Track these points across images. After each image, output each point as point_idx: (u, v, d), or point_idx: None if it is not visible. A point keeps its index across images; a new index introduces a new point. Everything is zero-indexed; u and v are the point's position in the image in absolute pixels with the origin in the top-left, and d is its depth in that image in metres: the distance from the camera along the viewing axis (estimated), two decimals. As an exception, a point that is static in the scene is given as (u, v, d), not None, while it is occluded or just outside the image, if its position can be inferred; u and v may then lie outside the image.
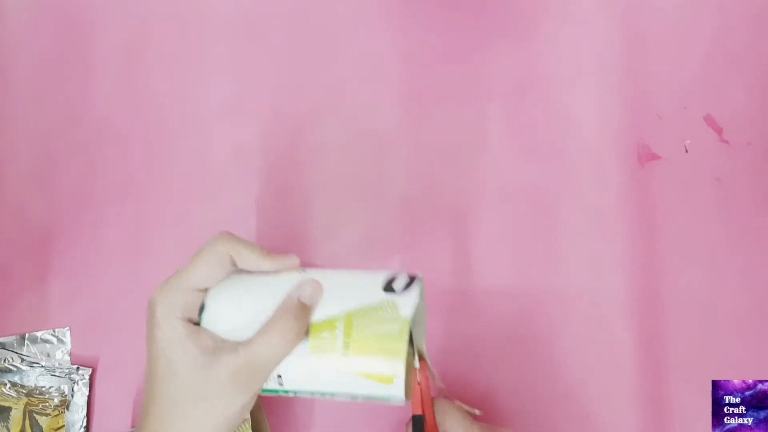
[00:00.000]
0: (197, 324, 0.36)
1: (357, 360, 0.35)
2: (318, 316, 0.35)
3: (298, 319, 0.35)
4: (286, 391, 0.37)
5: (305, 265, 0.39)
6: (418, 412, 0.39)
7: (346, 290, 0.36)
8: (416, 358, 0.38)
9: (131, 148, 0.57)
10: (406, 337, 0.34)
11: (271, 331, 0.35)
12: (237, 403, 0.35)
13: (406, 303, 0.35)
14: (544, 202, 0.53)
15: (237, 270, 0.38)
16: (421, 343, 0.40)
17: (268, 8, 0.58)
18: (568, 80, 0.55)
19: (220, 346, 0.35)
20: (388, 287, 0.36)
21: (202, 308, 0.37)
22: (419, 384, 0.39)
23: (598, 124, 0.54)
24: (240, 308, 0.36)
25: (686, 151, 0.53)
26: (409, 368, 0.37)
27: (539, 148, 0.54)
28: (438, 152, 0.55)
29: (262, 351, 0.34)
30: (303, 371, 0.36)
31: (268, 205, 0.55)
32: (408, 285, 0.36)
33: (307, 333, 0.35)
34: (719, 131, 0.53)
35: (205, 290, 0.37)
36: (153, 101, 0.58)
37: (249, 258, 0.37)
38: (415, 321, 0.36)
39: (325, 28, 0.58)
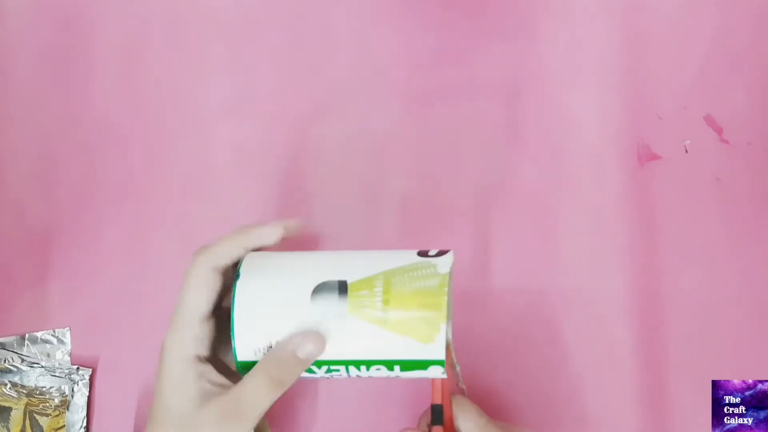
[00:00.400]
0: (207, 356, 0.37)
1: (397, 314, 0.35)
2: (355, 276, 0.35)
3: (289, 371, 0.35)
4: (320, 366, 0.37)
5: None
6: (438, 401, 0.39)
7: (380, 254, 0.37)
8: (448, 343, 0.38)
9: (131, 148, 0.57)
10: (446, 291, 0.35)
11: (257, 380, 0.35)
12: None
13: (443, 263, 0.36)
14: (544, 202, 0.53)
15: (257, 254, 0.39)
16: (449, 334, 0.40)
17: (268, 8, 0.58)
18: (568, 80, 0.55)
19: (215, 390, 0.36)
20: (422, 253, 0.36)
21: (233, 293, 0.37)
22: (445, 374, 0.38)
23: (598, 124, 0.54)
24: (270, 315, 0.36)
25: (686, 151, 0.53)
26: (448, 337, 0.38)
27: (539, 148, 0.54)
28: (438, 152, 0.55)
29: (247, 398, 0.35)
30: (340, 335, 0.36)
31: (268, 205, 0.55)
32: (441, 254, 0.37)
33: (345, 291, 0.35)
34: (719, 131, 0.53)
35: (208, 314, 0.37)
36: (153, 101, 0.58)
37: (234, 255, 0.38)
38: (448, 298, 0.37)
39: (325, 28, 0.58)
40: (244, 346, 0.36)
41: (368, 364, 0.36)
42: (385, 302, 0.35)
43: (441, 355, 0.35)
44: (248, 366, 0.37)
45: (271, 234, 0.39)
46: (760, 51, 0.54)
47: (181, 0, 0.59)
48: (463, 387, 0.41)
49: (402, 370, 0.36)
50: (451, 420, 0.39)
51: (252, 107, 0.57)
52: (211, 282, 0.37)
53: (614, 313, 0.51)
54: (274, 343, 0.36)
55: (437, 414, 0.39)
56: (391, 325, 0.35)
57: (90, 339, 0.54)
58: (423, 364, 0.35)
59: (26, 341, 0.54)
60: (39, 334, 0.54)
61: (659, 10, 0.55)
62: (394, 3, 0.57)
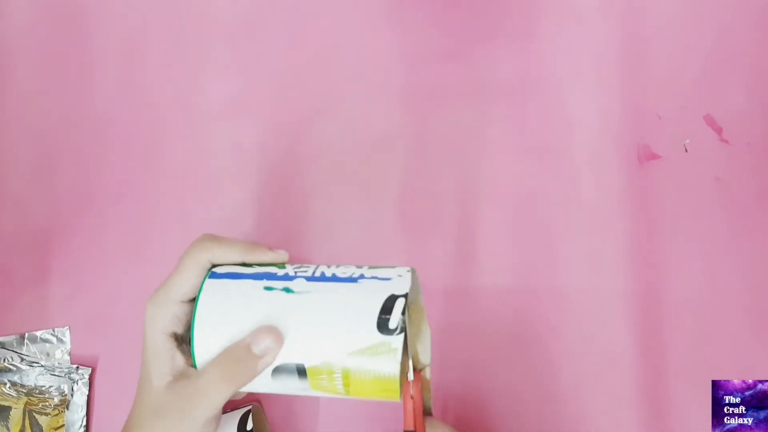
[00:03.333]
0: (182, 335, 0.38)
1: (357, 394, 0.36)
2: (314, 360, 0.35)
3: (245, 366, 0.35)
4: None
5: (303, 261, 0.39)
6: (410, 428, 0.38)
7: (338, 331, 0.35)
8: (410, 369, 0.38)
9: (131, 148, 0.58)
10: (399, 375, 0.35)
11: (213, 369, 0.36)
12: (180, 428, 0.36)
13: (396, 340, 0.34)
14: (544, 201, 0.53)
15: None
16: (419, 353, 0.39)
17: (268, 8, 0.58)
18: (568, 80, 0.55)
19: (185, 371, 0.37)
20: (383, 325, 0.35)
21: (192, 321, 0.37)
22: (412, 398, 0.38)
23: (598, 123, 0.54)
24: (225, 332, 0.36)
25: (686, 151, 0.53)
26: (402, 367, 0.37)
27: (539, 148, 0.54)
28: (438, 152, 0.55)
29: (204, 387, 0.35)
30: (305, 395, 0.37)
31: (268, 205, 0.55)
32: (401, 317, 0.35)
33: (304, 373, 0.35)
34: (719, 131, 0.53)
35: (192, 300, 0.38)
36: (153, 101, 0.58)
37: (230, 258, 0.38)
38: (411, 330, 0.37)
39: (324, 28, 0.58)
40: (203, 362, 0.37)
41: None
42: (345, 385, 0.35)
43: (399, 399, 0.36)
44: None
45: (274, 259, 0.39)
46: (760, 51, 0.54)
47: (181, 0, 0.59)
48: (430, 400, 0.41)
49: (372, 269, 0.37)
50: None
51: (252, 107, 0.57)
52: (203, 271, 0.38)
53: (614, 313, 0.51)
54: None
55: None
56: (353, 394, 0.36)
57: (90, 338, 0.54)
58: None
59: (26, 340, 0.54)
60: (39, 334, 0.54)
61: (659, 10, 0.55)
62: (395, 3, 0.57)
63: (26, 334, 0.54)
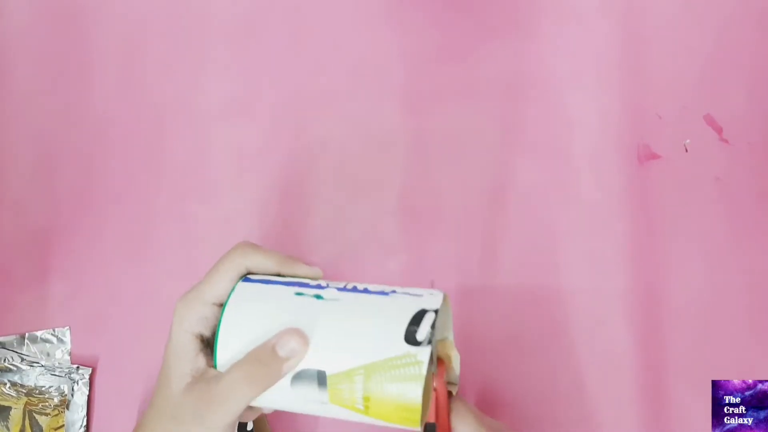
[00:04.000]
0: (209, 339, 0.37)
1: (377, 410, 0.34)
2: (336, 367, 0.34)
3: (269, 369, 0.34)
4: None
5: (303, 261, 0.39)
6: (432, 419, 0.38)
7: (364, 340, 0.34)
8: (434, 360, 0.37)
9: (131, 148, 0.58)
10: (422, 391, 0.34)
11: (236, 371, 0.35)
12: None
13: (423, 352, 0.33)
14: (544, 201, 0.53)
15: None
16: (445, 342, 0.39)
17: (268, 8, 0.58)
18: (568, 80, 0.55)
19: (205, 371, 0.36)
20: (410, 337, 0.34)
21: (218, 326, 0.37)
22: (435, 390, 0.38)
23: (598, 123, 0.54)
24: (250, 333, 0.36)
25: (686, 151, 0.53)
26: (426, 395, 0.36)
27: (539, 148, 0.54)
28: (438, 152, 0.55)
29: (225, 390, 0.34)
30: (323, 413, 0.36)
31: (268, 205, 0.55)
32: (430, 330, 0.34)
33: (324, 382, 0.34)
34: (719, 130, 0.53)
35: (222, 304, 0.37)
36: (152, 101, 0.58)
37: (266, 267, 0.38)
38: (438, 329, 0.37)
39: (324, 28, 0.58)
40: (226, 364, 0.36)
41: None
42: (365, 399, 0.34)
43: (419, 428, 0.35)
44: None
45: (308, 274, 0.38)
46: (760, 51, 0.54)
47: (181, 1, 0.59)
48: (456, 388, 0.41)
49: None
50: (449, 428, 0.39)
51: (252, 107, 0.57)
52: (237, 276, 0.37)
53: (614, 313, 0.51)
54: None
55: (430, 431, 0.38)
56: (372, 415, 0.35)
57: (90, 338, 0.54)
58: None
59: (26, 340, 0.54)
60: (39, 334, 0.54)
61: (659, 10, 0.55)
62: (395, 3, 0.57)
63: (26, 334, 0.54)
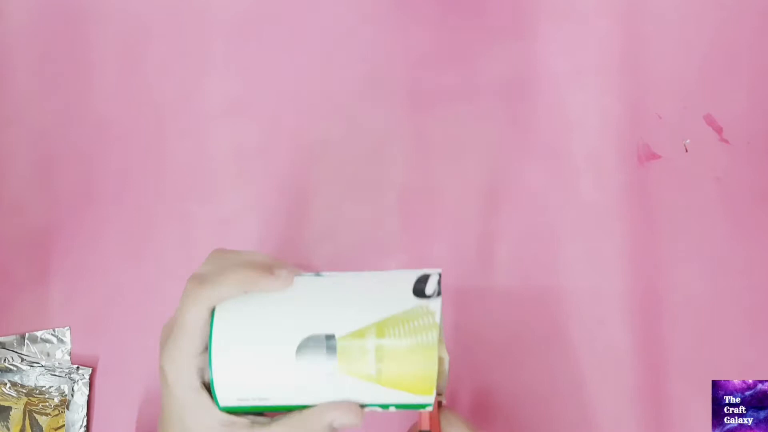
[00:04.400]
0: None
1: (390, 373, 0.33)
2: (344, 329, 0.33)
3: None
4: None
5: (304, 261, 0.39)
6: (426, 428, 0.37)
7: (371, 297, 0.33)
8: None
9: (131, 148, 0.57)
10: (438, 343, 0.33)
11: (286, 428, 0.34)
12: None
13: (435, 304, 0.33)
14: (544, 201, 0.53)
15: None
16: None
17: (268, 8, 0.58)
18: (568, 80, 0.55)
19: (236, 421, 0.34)
20: (419, 291, 0.33)
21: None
22: None
23: (598, 123, 0.54)
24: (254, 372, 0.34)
25: (686, 151, 0.53)
26: (439, 364, 0.36)
27: (539, 148, 0.54)
28: (438, 152, 0.55)
29: None
30: (332, 390, 0.34)
31: (268, 205, 0.55)
32: (438, 286, 0.33)
33: (333, 347, 0.33)
34: (719, 130, 0.53)
35: (206, 346, 0.35)
36: (152, 101, 0.58)
37: (231, 297, 0.35)
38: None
39: (324, 28, 0.58)
40: (227, 396, 0.34)
41: (362, 406, 0.35)
42: (378, 360, 0.33)
43: (432, 401, 0.34)
44: (231, 410, 0.35)
45: (278, 286, 0.35)
46: (760, 51, 0.54)
47: (181, 1, 0.59)
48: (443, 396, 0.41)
49: (397, 408, 0.35)
50: None
51: (252, 107, 0.57)
52: (206, 319, 0.34)
53: (614, 313, 0.51)
54: (261, 396, 0.34)
55: None
56: (384, 381, 0.33)
57: (90, 338, 0.54)
58: (416, 407, 0.35)
59: (26, 340, 0.54)
60: (39, 334, 0.54)
61: (659, 10, 0.55)
62: (394, 3, 0.57)
63: (26, 334, 0.54)
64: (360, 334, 0.32)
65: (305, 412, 0.34)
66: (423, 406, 0.34)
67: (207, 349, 0.34)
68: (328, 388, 0.33)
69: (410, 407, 0.35)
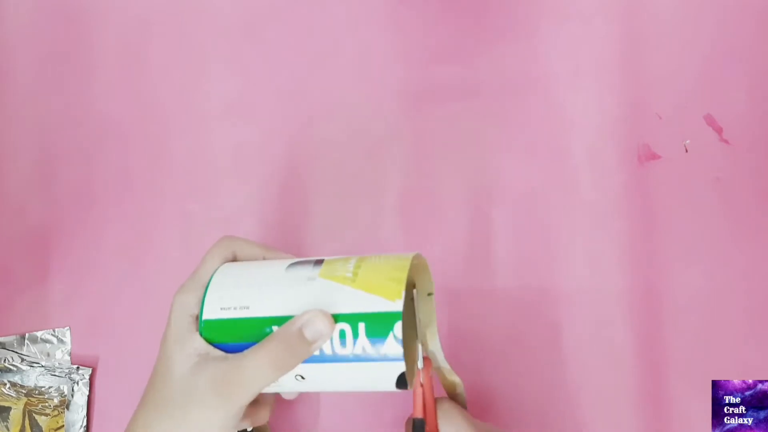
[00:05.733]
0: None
1: (365, 275, 0.36)
2: (332, 256, 0.38)
3: (293, 349, 0.34)
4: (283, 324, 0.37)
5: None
6: (420, 415, 0.38)
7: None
8: (420, 357, 0.38)
9: (131, 148, 0.58)
10: (411, 262, 0.36)
11: (261, 353, 0.34)
12: (216, 415, 0.34)
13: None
14: (544, 201, 0.53)
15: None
16: (429, 341, 0.40)
17: (268, 8, 0.58)
18: (567, 80, 0.55)
19: (211, 352, 0.36)
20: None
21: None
22: (422, 386, 0.38)
23: (598, 123, 0.54)
24: (241, 297, 0.37)
25: (686, 151, 0.53)
26: (411, 354, 0.38)
27: (539, 148, 0.54)
28: (437, 152, 0.55)
29: (247, 370, 0.34)
30: (309, 293, 0.36)
31: (268, 205, 0.55)
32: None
33: (320, 263, 0.37)
34: (719, 131, 0.53)
35: None
36: (153, 101, 0.58)
37: (251, 254, 0.40)
38: (419, 317, 0.38)
39: (324, 28, 0.58)
40: (212, 306, 0.37)
41: (334, 319, 0.36)
42: (356, 267, 0.36)
43: (400, 308, 0.35)
44: (211, 326, 0.37)
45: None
46: (760, 50, 0.54)
47: (182, 0, 0.59)
48: (457, 380, 0.41)
49: (367, 330, 0.35)
50: (436, 428, 0.39)
51: (252, 107, 0.57)
52: (226, 258, 0.40)
53: (614, 313, 0.51)
54: (243, 304, 0.37)
55: (418, 428, 0.38)
56: (358, 283, 0.35)
57: (90, 339, 0.54)
58: (387, 320, 0.35)
59: (26, 341, 0.54)
60: (39, 334, 0.54)
61: (659, 9, 0.55)
62: (394, 3, 0.57)
63: (26, 335, 0.54)
64: (344, 258, 0.37)
65: (276, 330, 0.35)
66: (392, 316, 0.35)
67: None
68: (305, 292, 0.36)
69: (382, 322, 0.35)
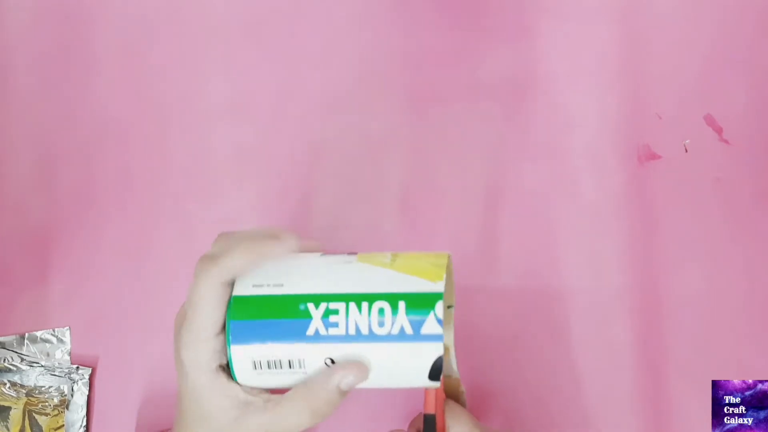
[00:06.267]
0: (227, 366, 0.36)
1: (403, 261, 0.36)
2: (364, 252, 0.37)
3: (331, 402, 0.34)
4: (318, 305, 0.35)
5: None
6: (431, 411, 0.38)
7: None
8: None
9: (131, 148, 0.57)
10: (448, 259, 0.36)
11: (298, 402, 0.34)
12: None
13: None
14: (544, 201, 0.53)
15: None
16: (450, 339, 0.40)
17: (268, 8, 0.58)
18: (567, 80, 0.55)
19: (251, 401, 0.35)
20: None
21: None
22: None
23: (598, 123, 0.54)
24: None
25: (686, 151, 0.53)
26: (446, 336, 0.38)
27: (539, 148, 0.54)
28: (438, 152, 0.55)
29: (287, 419, 0.34)
30: (346, 274, 0.35)
31: (269, 205, 0.55)
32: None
33: (354, 253, 0.37)
34: (719, 131, 0.53)
35: (222, 327, 0.35)
36: (153, 101, 0.58)
37: (239, 271, 0.35)
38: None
39: (324, 29, 0.58)
40: (242, 286, 0.35)
41: (371, 299, 0.34)
42: (394, 256, 0.36)
43: (442, 290, 0.34)
44: (242, 303, 0.35)
45: (286, 250, 0.36)
46: (760, 51, 0.54)
47: (182, 0, 0.59)
48: (463, 390, 0.41)
49: (408, 308, 0.34)
50: (444, 428, 0.39)
51: (252, 107, 0.57)
52: (221, 296, 0.35)
53: (614, 313, 0.51)
54: (277, 282, 0.35)
55: (429, 424, 0.38)
56: (397, 266, 0.35)
57: (90, 338, 0.54)
58: (429, 300, 0.34)
59: (26, 340, 0.54)
60: (39, 334, 0.54)
61: (659, 10, 0.55)
62: (394, 3, 0.57)
63: (26, 334, 0.54)
64: (379, 253, 0.37)
65: (309, 380, 0.34)
66: (434, 297, 0.34)
67: (223, 329, 0.35)
68: (342, 272, 0.35)
69: (423, 302, 0.34)
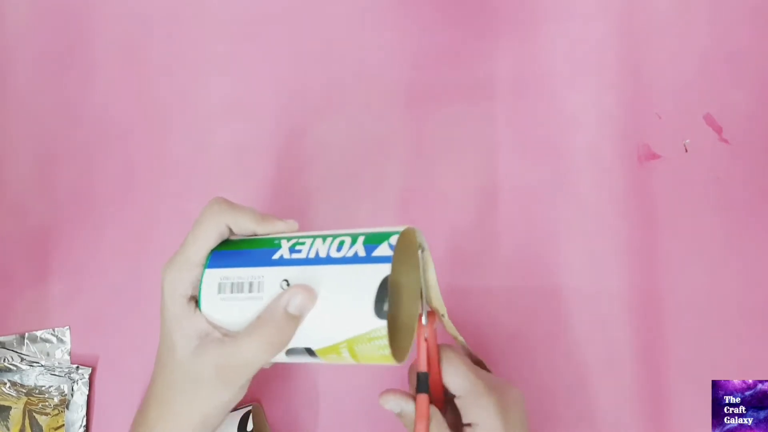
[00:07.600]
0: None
1: (363, 361, 0.37)
2: (320, 344, 0.37)
3: (282, 329, 0.35)
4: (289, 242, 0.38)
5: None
6: (423, 369, 0.39)
7: (339, 320, 0.36)
8: (424, 313, 0.39)
9: (131, 148, 0.58)
10: (393, 359, 0.36)
11: (254, 336, 0.35)
12: (222, 396, 0.36)
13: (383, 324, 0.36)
14: (544, 201, 0.53)
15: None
16: (432, 297, 0.40)
17: (268, 8, 0.58)
18: (567, 80, 0.55)
19: (210, 333, 0.37)
20: (379, 310, 0.35)
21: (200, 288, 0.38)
22: (426, 340, 0.39)
23: (598, 123, 0.54)
24: (233, 302, 0.37)
25: (686, 151, 0.53)
26: (408, 332, 0.39)
27: (539, 148, 0.54)
28: (437, 152, 0.55)
29: (243, 352, 0.35)
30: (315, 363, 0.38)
31: (269, 205, 0.55)
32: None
33: (313, 353, 0.37)
34: (719, 130, 0.53)
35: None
36: (153, 101, 0.58)
37: (244, 225, 0.39)
38: (421, 276, 0.39)
39: (324, 29, 0.58)
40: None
41: (336, 236, 0.37)
42: (353, 357, 0.37)
43: (400, 230, 0.36)
44: (219, 255, 0.38)
45: (286, 229, 0.40)
46: (760, 51, 0.54)
47: (182, 0, 0.59)
48: (461, 339, 0.42)
49: (366, 240, 0.36)
50: (440, 380, 0.39)
51: (252, 107, 0.57)
52: (220, 234, 0.38)
53: (614, 313, 0.51)
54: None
55: (422, 382, 0.39)
56: (360, 361, 0.37)
57: (90, 338, 0.54)
58: (386, 235, 0.36)
59: (26, 340, 0.54)
60: (39, 333, 0.54)
61: (659, 9, 0.55)
62: (394, 3, 0.57)
63: (26, 334, 0.54)
64: (334, 348, 0.37)
65: (262, 313, 0.36)
66: (391, 233, 0.36)
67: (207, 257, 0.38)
68: (315, 362, 0.38)
69: (378, 235, 0.36)
